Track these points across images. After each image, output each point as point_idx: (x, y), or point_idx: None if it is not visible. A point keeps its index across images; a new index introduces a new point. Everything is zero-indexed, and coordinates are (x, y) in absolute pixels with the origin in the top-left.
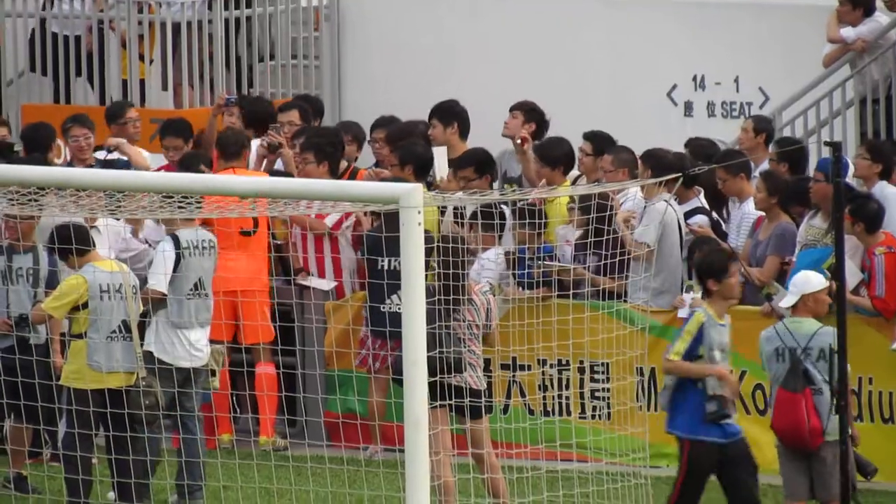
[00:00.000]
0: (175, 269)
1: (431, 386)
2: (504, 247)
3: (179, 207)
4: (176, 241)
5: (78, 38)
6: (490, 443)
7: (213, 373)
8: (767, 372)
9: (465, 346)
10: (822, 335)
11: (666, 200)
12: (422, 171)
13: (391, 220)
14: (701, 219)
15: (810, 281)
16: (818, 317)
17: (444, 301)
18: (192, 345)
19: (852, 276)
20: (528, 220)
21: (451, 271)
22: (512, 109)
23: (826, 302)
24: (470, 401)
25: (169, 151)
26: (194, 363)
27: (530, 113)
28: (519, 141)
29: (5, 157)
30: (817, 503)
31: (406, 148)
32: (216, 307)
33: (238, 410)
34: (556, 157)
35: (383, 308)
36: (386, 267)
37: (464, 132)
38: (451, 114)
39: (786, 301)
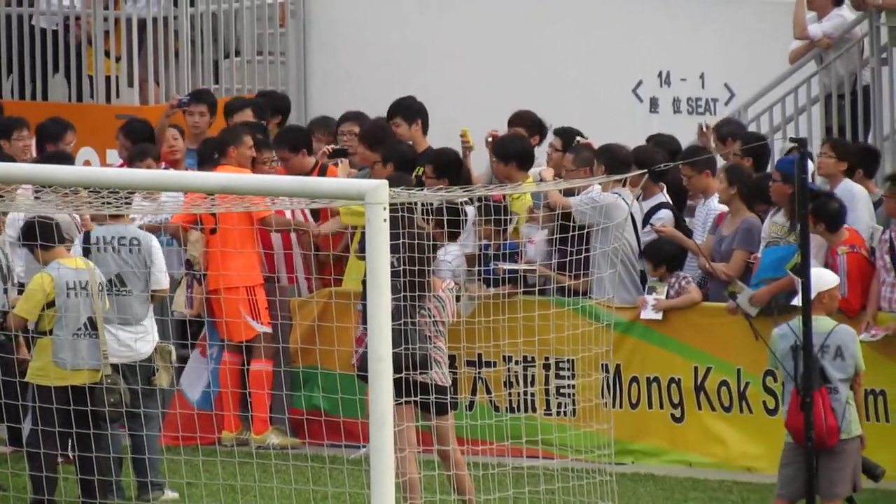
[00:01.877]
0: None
1: (397, 382)
2: (464, 244)
3: (106, 203)
4: (86, 237)
5: (55, 33)
6: (455, 439)
7: (156, 370)
8: (781, 370)
9: (430, 343)
10: (838, 333)
11: (619, 193)
12: (403, 169)
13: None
14: (665, 214)
15: (824, 278)
16: (831, 314)
17: (410, 297)
18: (120, 342)
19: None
20: (493, 217)
21: (416, 267)
22: (511, 123)
23: (838, 299)
24: (435, 397)
25: (123, 151)
26: (122, 360)
27: (532, 126)
28: (490, 139)
29: None
30: (821, 501)
31: (389, 146)
32: (214, 304)
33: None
34: (510, 153)
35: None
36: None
37: (426, 128)
38: (413, 111)
39: (799, 300)
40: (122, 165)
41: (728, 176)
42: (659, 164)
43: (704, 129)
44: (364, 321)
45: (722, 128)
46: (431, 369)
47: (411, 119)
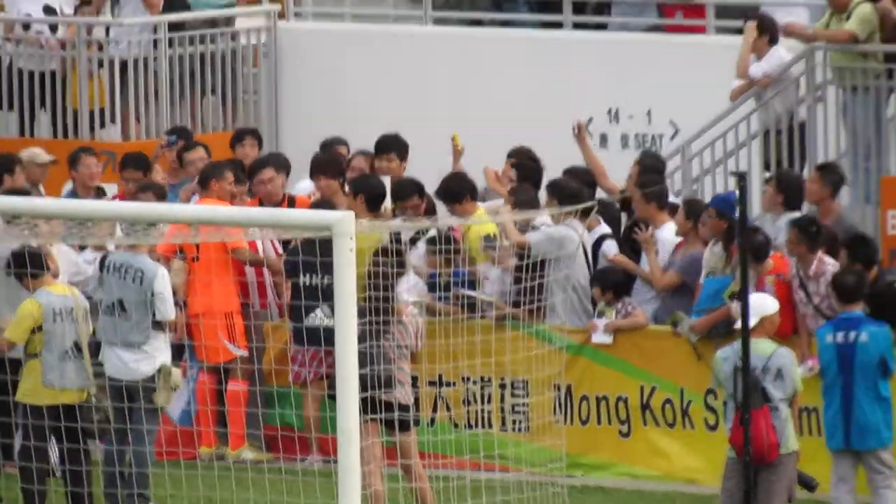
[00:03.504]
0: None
1: (363, 401)
2: (420, 272)
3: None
4: (101, 261)
5: (42, 74)
6: (418, 454)
7: (155, 390)
8: (725, 390)
9: (394, 365)
10: (778, 355)
11: (569, 226)
12: (373, 202)
13: (309, 241)
14: (611, 243)
15: (766, 304)
16: (770, 337)
17: (375, 322)
18: (121, 361)
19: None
20: (442, 247)
21: (381, 293)
22: (510, 156)
23: (777, 323)
24: (399, 415)
25: (128, 183)
26: (122, 377)
27: (524, 163)
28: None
29: None
30: None
31: (360, 179)
32: (194, 328)
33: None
34: (458, 191)
35: (309, 321)
36: (308, 283)
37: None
38: (405, 147)
39: (752, 322)
40: (120, 197)
41: (684, 209)
42: (573, 193)
43: (577, 130)
44: (295, 341)
45: (644, 160)
46: (395, 389)
47: (403, 155)
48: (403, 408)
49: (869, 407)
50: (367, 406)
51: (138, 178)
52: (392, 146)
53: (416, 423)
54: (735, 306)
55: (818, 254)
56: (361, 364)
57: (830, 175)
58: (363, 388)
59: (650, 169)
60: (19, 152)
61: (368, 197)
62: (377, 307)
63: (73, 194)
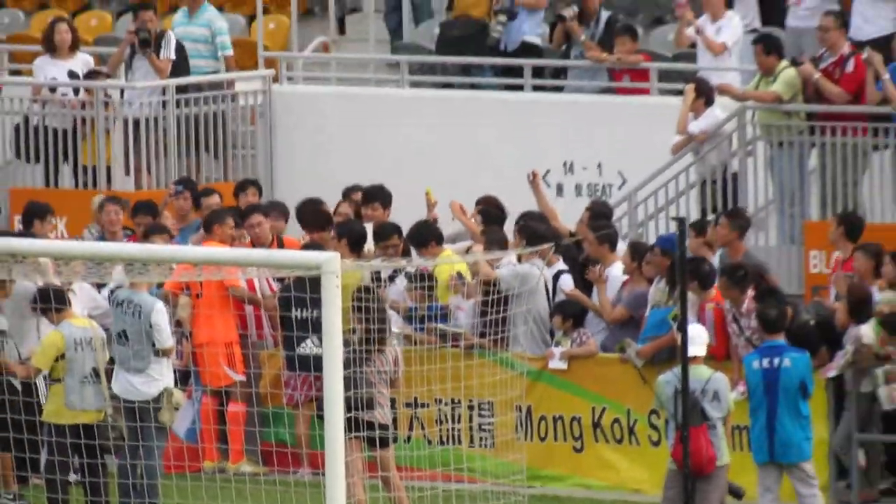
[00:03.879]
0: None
1: (347, 420)
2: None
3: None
4: (110, 295)
5: (65, 131)
6: (395, 467)
7: (160, 410)
8: (667, 410)
9: (375, 388)
10: (714, 380)
11: (535, 264)
12: (355, 245)
13: (300, 279)
14: (568, 278)
15: (703, 335)
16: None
17: (359, 351)
18: (130, 384)
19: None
20: (418, 284)
21: (363, 326)
22: (477, 203)
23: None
24: (379, 433)
25: (140, 227)
26: (131, 397)
27: (489, 210)
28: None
29: None
30: None
31: (343, 224)
32: (198, 356)
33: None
34: (424, 238)
35: (300, 350)
36: (299, 316)
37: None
38: (388, 197)
39: (699, 351)
40: (132, 239)
41: (630, 251)
42: (539, 234)
43: (531, 178)
44: (289, 368)
45: (594, 207)
46: (376, 410)
47: (387, 204)
48: (383, 426)
49: (791, 425)
50: (351, 425)
51: (148, 222)
52: (377, 196)
53: (395, 440)
54: (675, 332)
55: (748, 293)
56: (346, 388)
57: (737, 220)
58: (348, 409)
59: (599, 214)
60: (92, 200)
61: (351, 240)
62: (360, 338)
63: (102, 237)
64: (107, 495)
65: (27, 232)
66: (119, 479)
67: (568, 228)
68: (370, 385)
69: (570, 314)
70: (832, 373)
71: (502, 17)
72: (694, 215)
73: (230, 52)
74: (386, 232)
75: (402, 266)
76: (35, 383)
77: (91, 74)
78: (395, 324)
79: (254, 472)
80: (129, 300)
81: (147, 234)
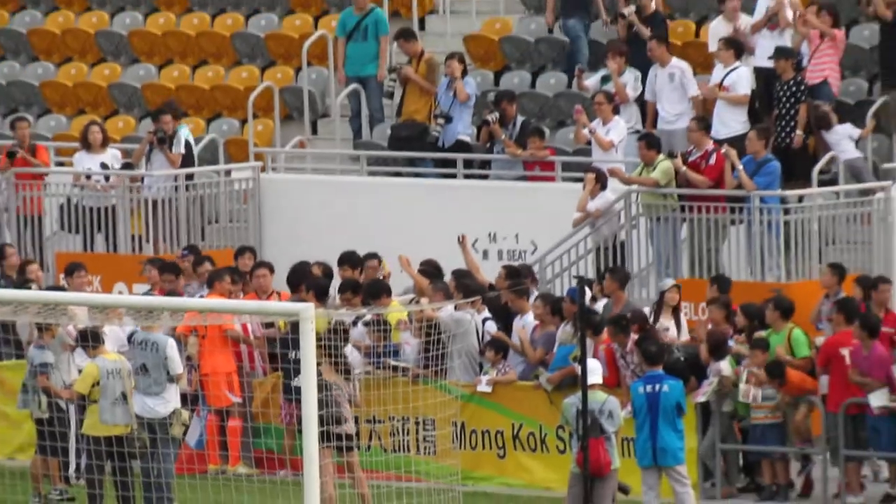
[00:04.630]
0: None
1: (321, 433)
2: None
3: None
4: (129, 336)
5: (98, 209)
6: (360, 469)
7: (171, 424)
8: (571, 425)
9: (342, 408)
10: (609, 402)
11: (468, 312)
12: (320, 294)
13: (296, 328)
14: (492, 324)
15: (599, 368)
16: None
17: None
18: (148, 405)
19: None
20: (376, 328)
21: (332, 360)
22: (421, 265)
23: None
24: (346, 442)
25: (168, 283)
26: (149, 415)
27: (429, 270)
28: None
29: None
30: None
31: (310, 280)
32: (207, 384)
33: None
34: (377, 292)
35: (293, 383)
36: (293, 357)
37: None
38: (358, 260)
39: (596, 379)
40: (148, 291)
41: (542, 302)
42: (473, 289)
43: (461, 239)
44: (285, 395)
45: (509, 268)
46: (343, 424)
47: (356, 266)
48: (349, 437)
49: (668, 436)
50: (324, 437)
51: (171, 279)
52: (347, 260)
53: (358, 448)
54: (577, 366)
55: (631, 336)
56: (320, 408)
57: (618, 274)
58: (321, 423)
59: (512, 274)
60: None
61: (316, 292)
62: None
63: (149, 292)
64: (133, 491)
65: (61, 286)
66: (142, 479)
67: (488, 281)
68: (338, 405)
69: (500, 349)
70: (702, 398)
71: (440, 121)
72: (591, 274)
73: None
74: (345, 287)
75: (364, 313)
76: (67, 404)
77: (125, 166)
78: (356, 359)
79: (248, 474)
80: (147, 339)
81: (211, 280)
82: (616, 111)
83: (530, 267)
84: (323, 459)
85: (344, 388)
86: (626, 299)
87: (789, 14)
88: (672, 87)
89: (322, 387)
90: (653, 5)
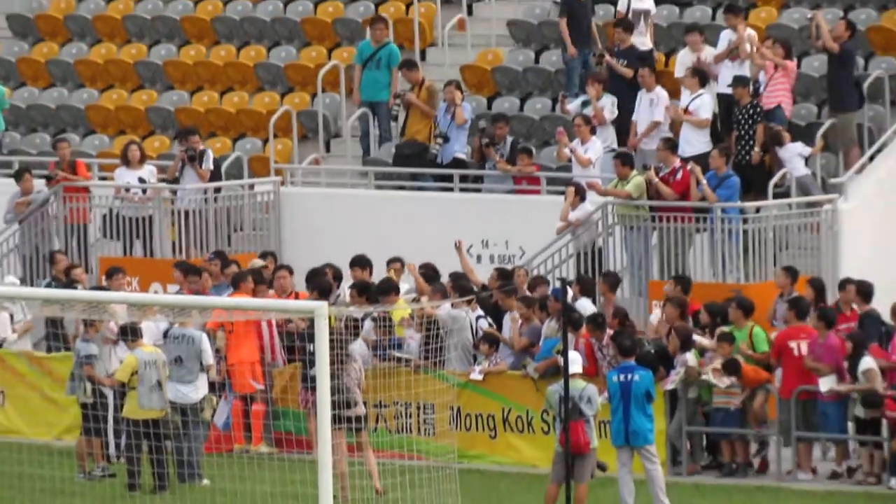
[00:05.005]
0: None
1: (334, 416)
2: (366, 339)
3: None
4: (165, 332)
5: (137, 219)
6: (369, 447)
7: (202, 409)
8: (554, 409)
9: (353, 393)
10: (588, 389)
11: (463, 310)
12: (323, 294)
13: (311, 325)
14: (483, 322)
15: (579, 360)
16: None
17: (340, 369)
18: (181, 392)
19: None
20: (381, 324)
21: (342, 350)
22: (420, 268)
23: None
24: (356, 424)
25: (193, 284)
26: (182, 401)
27: (428, 273)
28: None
29: None
30: (574, 484)
31: (316, 281)
32: (231, 372)
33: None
34: (386, 290)
35: (310, 373)
36: (311, 350)
37: (371, 273)
38: (369, 263)
39: (577, 369)
40: (178, 291)
41: (524, 303)
42: (468, 289)
43: (458, 245)
44: (303, 383)
45: (500, 270)
46: (353, 408)
47: (364, 267)
48: (359, 419)
49: (639, 420)
50: (337, 419)
51: (196, 280)
52: (358, 263)
53: (367, 428)
54: (560, 357)
55: (607, 332)
56: (333, 393)
57: (610, 279)
58: (334, 407)
59: (503, 275)
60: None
61: (319, 291)
62: (340, 357)
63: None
64: (167, 467)
65: (103, 287)
66: (175, 457)
67: (481, 281)
68: (349, 391)
69: (493, 342)
70: (670, 386)
71: (439, 141)
72: (572, 277)
73: None
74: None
75: (371, 311)
76: (104, 391)
77: (161, 181)
78: (363, 352)
79: (269, 452)
80: (182, 334)
81: (235, 281)
82: (593, 132)
83: (544, 277)
84: (336, 439)
85: (354, 374)
86: (614, 300)
87: (748, 47)
88: (650, 111)
89: (334, 375)
90: (647, 41)
